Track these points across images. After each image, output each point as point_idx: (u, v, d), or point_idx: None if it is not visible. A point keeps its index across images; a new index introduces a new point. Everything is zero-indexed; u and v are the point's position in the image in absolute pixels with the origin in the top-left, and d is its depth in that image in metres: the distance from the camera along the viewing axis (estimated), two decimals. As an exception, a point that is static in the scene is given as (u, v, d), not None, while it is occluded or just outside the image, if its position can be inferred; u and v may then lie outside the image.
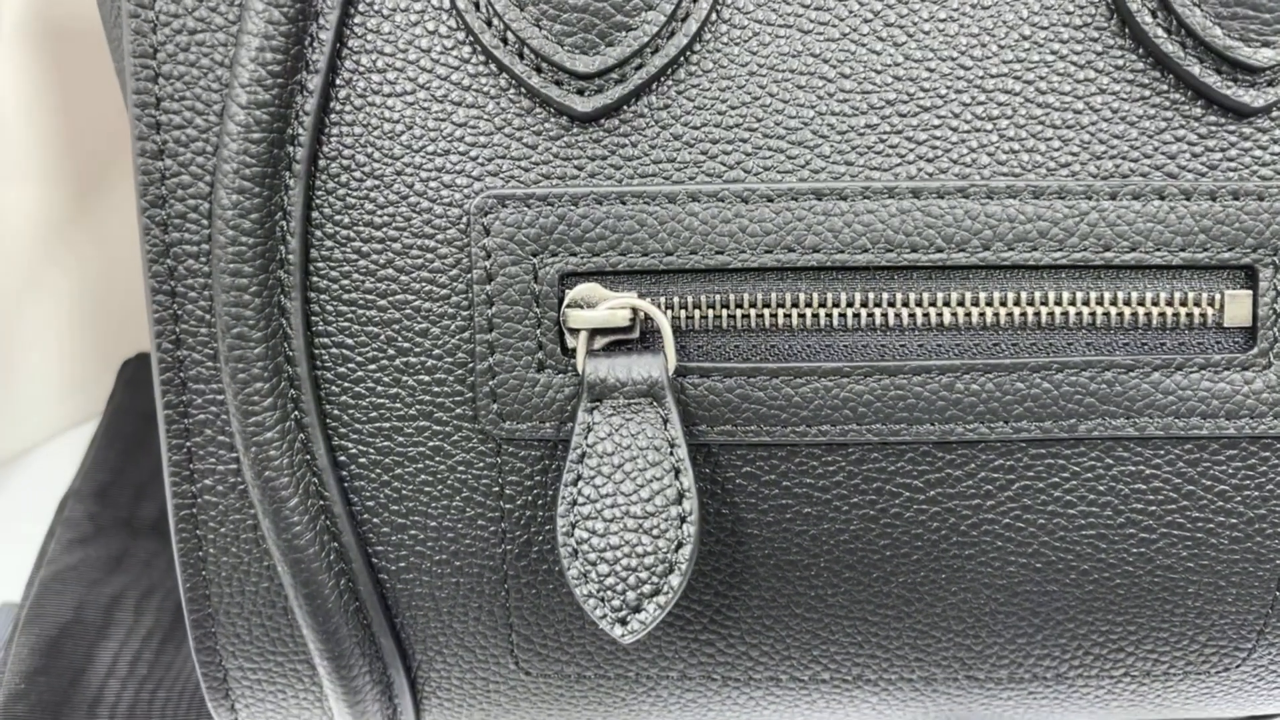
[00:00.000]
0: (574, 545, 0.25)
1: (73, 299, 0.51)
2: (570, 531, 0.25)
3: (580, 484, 0.26)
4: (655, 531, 0.25)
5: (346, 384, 0.27)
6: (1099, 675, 0.30)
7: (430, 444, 0.27)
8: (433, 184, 0.26)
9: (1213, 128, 0.26)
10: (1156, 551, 0.28)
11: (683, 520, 0.25)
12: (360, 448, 0.28)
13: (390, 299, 0.27)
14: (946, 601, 0.29)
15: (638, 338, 0.26)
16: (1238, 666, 0.30)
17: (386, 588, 0.29)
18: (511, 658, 0.30)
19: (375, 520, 0.28)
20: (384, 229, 0.26)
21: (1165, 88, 0.26)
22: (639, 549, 0.25)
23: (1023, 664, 0.30)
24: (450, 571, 0.28)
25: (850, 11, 0.26)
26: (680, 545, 0.25)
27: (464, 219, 0.26)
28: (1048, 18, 0.26)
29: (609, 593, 0.25)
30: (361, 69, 0.26)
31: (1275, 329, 0.26)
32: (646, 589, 0.25)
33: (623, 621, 0.25)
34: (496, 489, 0.28)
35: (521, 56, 0.26)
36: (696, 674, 0.30)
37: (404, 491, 0.28)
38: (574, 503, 0.25)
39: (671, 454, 0.25)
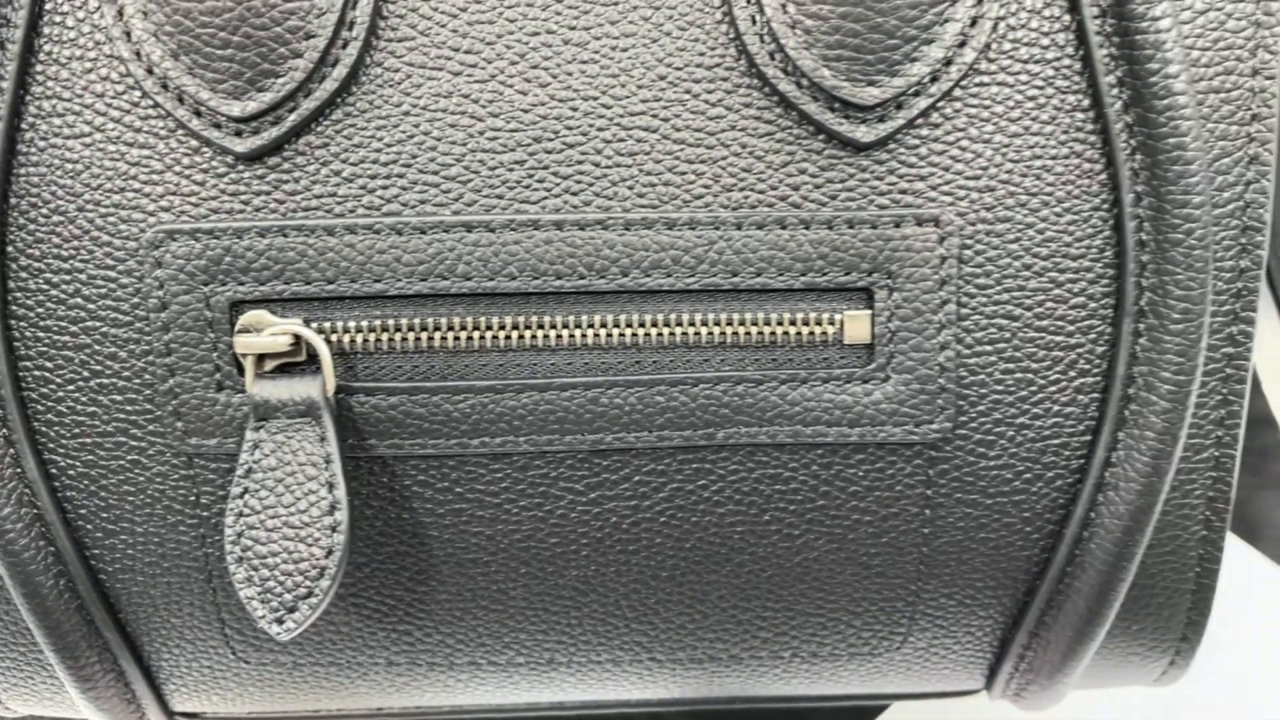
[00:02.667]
0: (239, 552, 0.28)
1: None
2: (237, 540, 0.28)
3: (246, 496, 0.28)
4: (310, 540, 0.27)
5: (50, 403, 0.29)
6: (770, 656, 0.33)
7: (128, 458, 0.30)
8: (110, 219, 0.28)
9: (832, 160, 0.28)
10: (802, 545, 0.31)
11: (334, 529, 0.27)
12: (68, 461, 0.30)
13: (81, 325, 0.29)
14: (618, 592, 0.31)
15: (305, 360, 0.28)
16: (898, 649, 0.33)
17: (106, 587, 0.31)
18: (228, 648, 0.32)
19: (88, 526, 0.30)
20: (70, 261, 0.28)
21: (789, 124, 0.28)
22: (295, 555, 0.27)
23: (697, 647, 0.32)
24: (160, 572, 0.31)
25: (498, 54, 0.28)
26: (331, 552, 0.27)
27: (139, 251, 0.28)
28: (682, 59, 0.28)
29: (269, 595, 0.27)
30: (44, 114, 0.28)
31: (891, 346, 0.29)
32: (301, 591, 0.27)
33: (280, 621, 0.27)
34: (193, 499, 0.30)
35: (181, 101, 0.27)
36: (402, 660, 0.32)
37: (110, 501, 0.30)
38: (240, 513, 0.28)
39: (327, 469, 0.28)
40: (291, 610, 0.27)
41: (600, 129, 0.28)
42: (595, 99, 0.28)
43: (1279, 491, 0.50)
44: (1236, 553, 0.48)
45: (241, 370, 0.29)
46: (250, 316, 0.28)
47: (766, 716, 0.41)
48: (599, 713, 0.38)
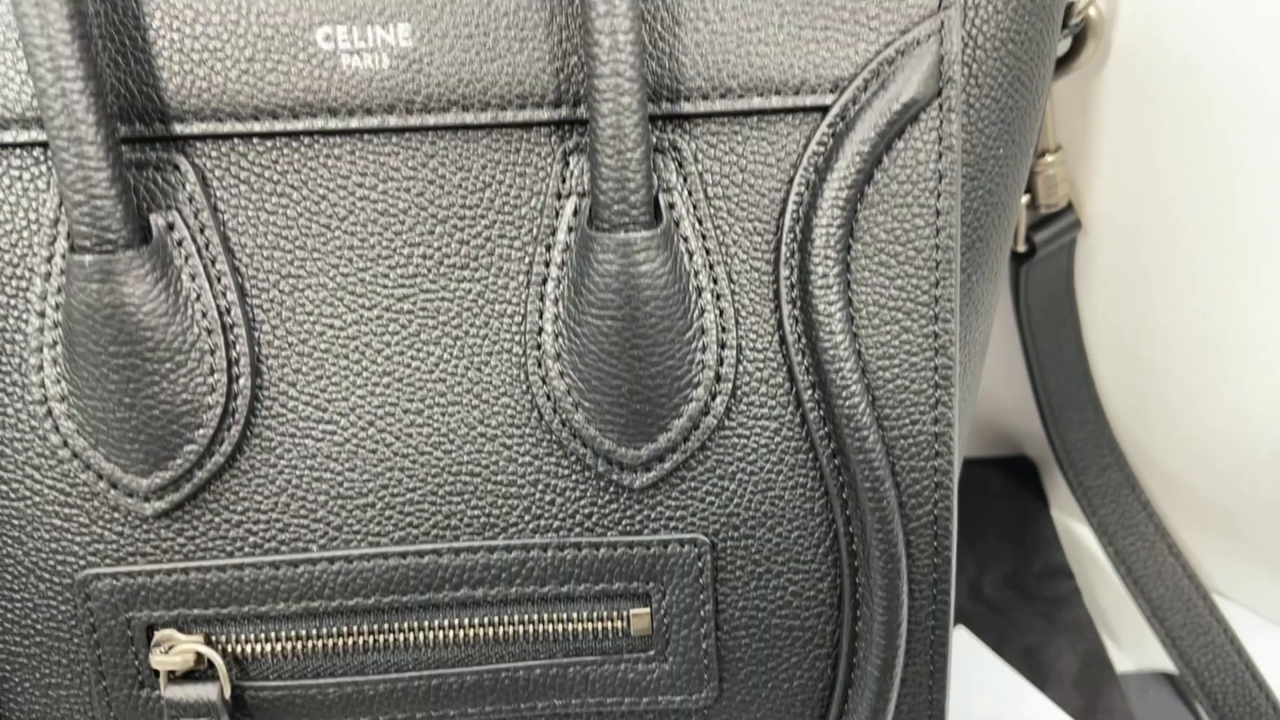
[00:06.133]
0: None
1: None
2: (157, 814, 0.36)
3: (164, 778, 0.36)
4: (214, 809, 0.35)
5: (11, 697, 0.37)
6: None
7: (73, 736, 0.37)
8: (49, 561, 0.36)
9: (614, 498, 0.36)
10: (611, 781, 0.39)
11: (234, 797, 0.35)
12: (26, 739, 0.38)
13: (31, 640, 0.36)
14: None
15: (207, 666, 0.36)
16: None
17: None
18: None
19: None
20: (20, 593, 0.36)
21: (582, 469, 0.36)
22: (204, 825, 0.35)
23: None
24: None
25: (350, 423, 0.36)
26: (231, 818, 0.35)
27: (73, 587, 0.36)
28: (496, 420, 0.36)
29: None
30: (-7, 481, 0.36)
31: (667, 634, 0.37)
32: None
33: None
34: (125, 767, 0.38)
35: (100, 478, 0.35)
36: None
37: (58, 769, 0.38)
38: (159, 792, 0.36)
39: (226, 755, 0.36)
40: None
41: (434, 475, 0.36)
42: (430, 453, 0.36)
43: (1069, 638, 0.59)
44: (1028, 699, 0.56)
45: (158, 674, 0.36)
46: (163, 635, 0.36)
47: None
48: None
